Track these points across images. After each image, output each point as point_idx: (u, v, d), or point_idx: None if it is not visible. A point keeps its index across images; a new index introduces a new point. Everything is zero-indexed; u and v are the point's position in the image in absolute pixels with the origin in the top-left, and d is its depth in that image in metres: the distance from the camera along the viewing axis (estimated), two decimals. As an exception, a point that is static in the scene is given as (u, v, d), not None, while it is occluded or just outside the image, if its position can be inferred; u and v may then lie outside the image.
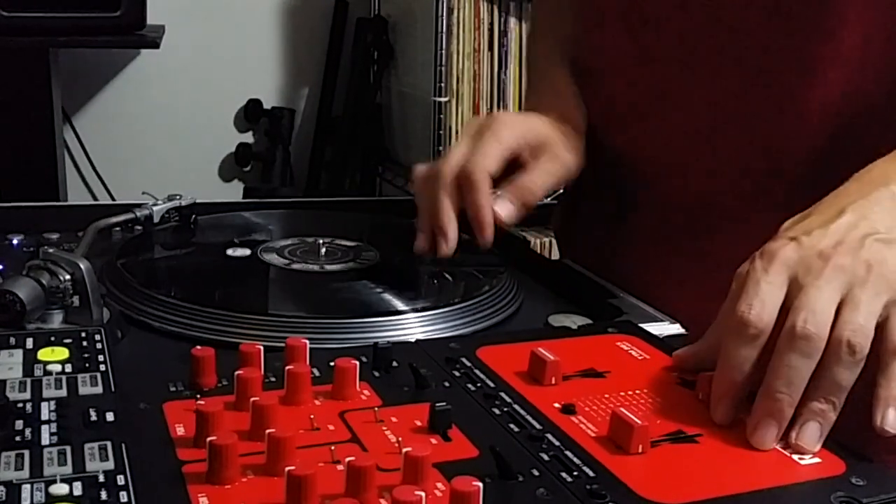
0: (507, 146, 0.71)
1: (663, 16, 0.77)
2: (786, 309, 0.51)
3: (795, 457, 0.48)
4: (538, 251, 0.77)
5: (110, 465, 0.41)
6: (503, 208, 0.69)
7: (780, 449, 0.49)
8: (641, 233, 0.83)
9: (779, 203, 0.73)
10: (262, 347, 0.52)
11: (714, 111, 0.75)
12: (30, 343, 0.53)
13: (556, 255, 0.95)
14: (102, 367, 0.51)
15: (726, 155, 0.75)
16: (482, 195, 0.68)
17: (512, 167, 0.73)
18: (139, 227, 0.81)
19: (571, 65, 0.86)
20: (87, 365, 0.51)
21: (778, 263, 0.53)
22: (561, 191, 0.95)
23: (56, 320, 0.59)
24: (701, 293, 0.77)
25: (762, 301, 0.51)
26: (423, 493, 0.39)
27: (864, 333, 0.50)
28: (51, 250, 0.60)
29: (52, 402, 0.47)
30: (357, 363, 0.52)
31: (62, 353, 0.52)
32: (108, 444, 0.43)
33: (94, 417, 0.45)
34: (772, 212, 0.70)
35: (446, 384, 0.54)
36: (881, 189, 0.57)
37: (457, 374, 0.55)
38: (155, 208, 0.81)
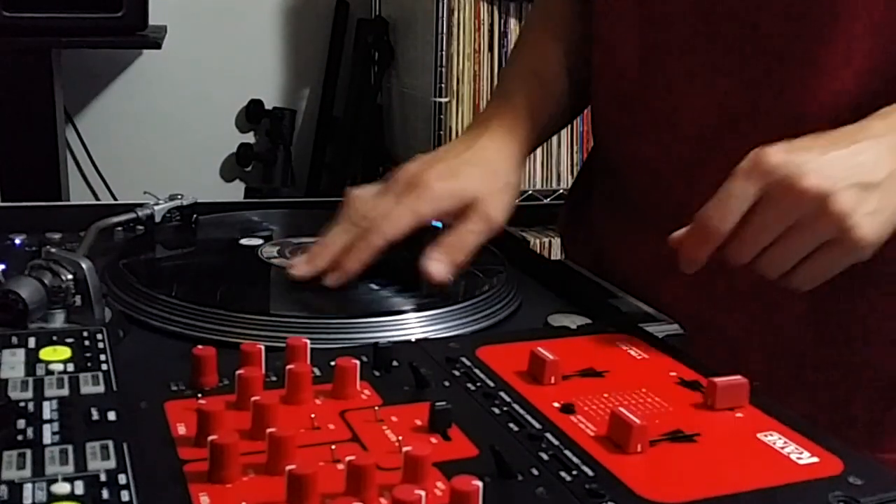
0: (422, 219, 0.71)
1: (671, 14, 0.77)
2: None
3: (793, 456, 0.48)
4: (538, 251, 0.77)
5: (112, 464, 0.42)
6: (436, 268, 0.69)
7: (778, 449, 0.49)
8: (648, 234, 0.83)
9: None
10: (262, 347, 0.53)
11: (721, 111, 0.75)
12: (32, 342, 0.54)
13: (556, 256, 0.95)
14: (104, 367, 0.51)
15: (735, 155, 0.76)
16: (366, 253, 0.69)
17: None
18: (141, 227, 0.81)
19: (541, 81, 0.86)
20: (88, 364, 0.51)
21: (757, 172, 0.58)
22: (567, 192, 0.96)
23: (58, 320, 0.59)
24: (708, 294, 0.77)
25: (726, 209, 0.59)
26: (423, 493, 0.39)
27: (780, 270, 0.60)
28: (53, 250, 0.61)
29: (54, 402, 0.47)
30: (357, 363, 0.52)
31: (64, 352, 0.53)
32: (110, 443, 0.43)
33: (95, 417, 0.46)
34: None
35: (446, 384, 0.54)
36: (891, 135, 0.61)
37: (457, 373, 0.55)
38: (156, 208, 0.81)
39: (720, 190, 0.60)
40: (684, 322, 0.67)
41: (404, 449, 0.43)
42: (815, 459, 0.48)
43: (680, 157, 0.78)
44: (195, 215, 0.83)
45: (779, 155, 0.58)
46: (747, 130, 0.74)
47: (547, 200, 2.04)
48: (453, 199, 0.72)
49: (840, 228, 0.58)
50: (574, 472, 0.45)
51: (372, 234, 0.69)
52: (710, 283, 0.77)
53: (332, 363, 0.52)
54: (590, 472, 0.45)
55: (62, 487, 0.40)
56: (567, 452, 0.46)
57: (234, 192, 2.41)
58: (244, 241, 0.74)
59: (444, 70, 2.03)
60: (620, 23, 0.81)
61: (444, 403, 0.48)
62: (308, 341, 0.53)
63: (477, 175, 0.75)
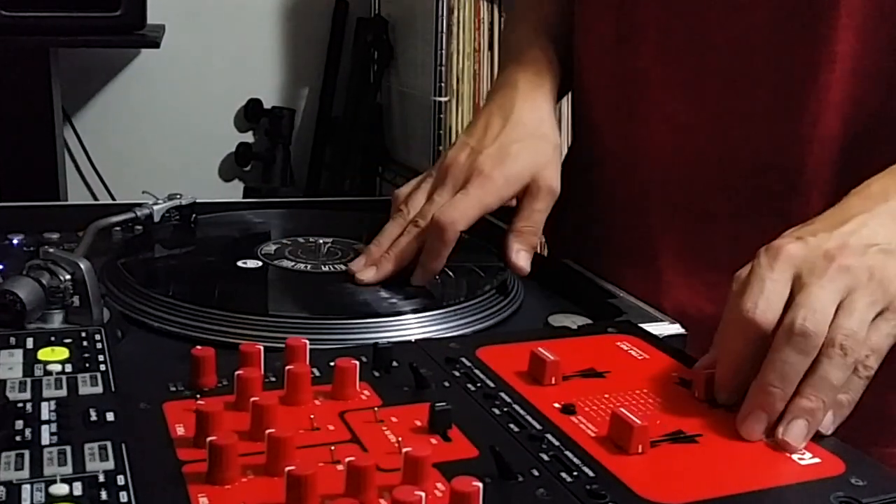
0: (489, 207, 0.73)
1: (650, 17, 0.77)
2: (788, 305, 0.52)
3: (795, 456, 0.48)
4: (538, 251, 0.77)
5: (110, 465, 0.41)
6: (522, 260, 0.74)
7: (780, 449, 0.49)
8: (631, 232, 0.83)
9: (773, 201, 0.73)
10: (262, 347, 0.52)
11: (700, 113, 0.75)
12: (30, 343, 0.53)
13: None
14: (102, 367, 0.51)
15: (715, 156, 0.76)
16: (446, 250, 0.70)
17: None
18: (139, 227, 0.81)
19: (549, 36, 0.87)
20: (87, 365, 0.51)
21: (783, 260, 0.53)
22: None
23: (56, 320, 0.59)
24: (690, 292, 0.77)
25: (767, 300, 0.52)
26: (423, 494, 0.39)
27: (856, 339, 0.51)
28: (51, 250, 0.60)
29: (53, 402, 0.47)
30: (357, 363, 0.52)
31: (62, 352, 0.52)
32: (109, 444, 0.43)
33: (94, 417, 0.45)
34: (765, 210, 0.71)
35: (446, 384, 0.54)
36: (881, 205, 0.58)
37: (457, 374, 0.55)
38: (155, 208, 0.81)
39: (747, 283, 0.53)
40: (670, 313, 0.68)
41: (404, 450, 0.42)
42: (816, 460, 0.48)
43: (659, 155, 0.78)
44: (194, 215, 0.83)
45: (795, 243, 0.54)
46: (726, 128, 0.74)
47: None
48: (515, 185, 0.74)
49: (887, 294, 0.53)
50: (575, 473, 0.45)
51: (444, 231, 0.70)
52: (693, 282, 0.77)
53: (332, 363, 0.52)
54: (591, 473, 0.45)
55: (60, 488, 0.39)
56: (568, 453, 0.46)
57: (233, 191, 2.41)
58: (245, 264, 0.74)
59: (443, 69, 2.03)
60: (598, 30, 0.82)
61: (444, 404, 0.48)
62: (307, 341, 0.53)
63: (527, 151, 0.76)
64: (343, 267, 0.73)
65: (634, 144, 0.80)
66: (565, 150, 0.89)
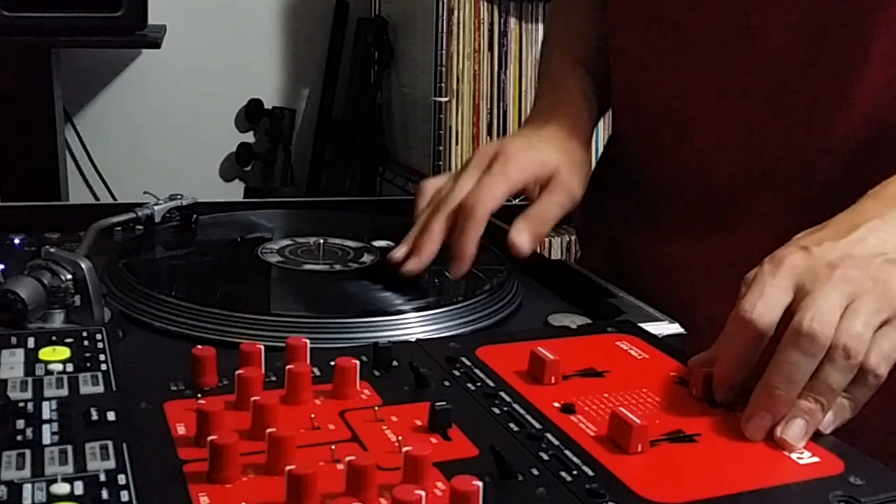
0: (514, 185, 0.73)
1: (686, 19, 0.77)
2: (791, 312, 0.52)
3: (794, 456, 0.48)
4: (538, 251, 0.77)
5: (111, 464, 0.41)
6: (522, 239, 0.71)
7: (779, 448, 0.49)
8: (663, 232, 0.83)
9: (804, 203, 0.73)
10: (262, 347, 0.53)
11: (737, 117, 0.75)
12: (31, 342, 0.53)
13: (556, 256, 0.95)
14: (104, 367, 0.51)
15: (750, 158, 0.75)
16: (476, 230, 0.69)
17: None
18: (140, 227, 0.81)
19: (584, 66, 0.87)
20: (88, 364, 0.51)
21: (786, 269, 0.53)
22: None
23: (57, 320, 0.59)
24: (721, 292, 0.77)
25: (766, 302, 0.52)
26: (423, 493, 0.39)
27: (861, 342, 0.51)
28: (52, 250, 0.61)
29: (54, 402, 0.47)
30: (357, 362, 0.52)
31: (63, 352, 0.52)
32: (110, 443, 0.43)
33: (95, 417, 0.46)
34: (798, 210, 0.70)
35: (446, 383, 0.54)
36: (894, 209, 0.57)
37: (457, 373, 0.55)
38: (156, 208, 0.81)
39: (749, 287, 0.54)
40: (700, 321, 0.67)
41: (404, 449, 0.42)
42: (815, 459, 0.48)
43: (695, 158, 0.78)
44: (195, 215, 0.83)
45: (799, 253, 0.54)
46: (762, 132, 0.74)
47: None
48: (538, 167, 0.74)
49: (893, 305, 0.53)
50: (574, 472, 0.45)
51: (474, 209, 0.70)
52: (727, 282, 0.77)
53: (332, 363, 0.52)
54: (590, 472, 0.45)
55: (62, 488, 0.40)
56: (567, 452, 0.46)
57: (234, 191, 2.41)
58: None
59: (443, 69, 2.03)
60: (634, 29, 0.81)
61: (444, 403, 0.48)
62: (308, 341, 0.53)
63: (554, 150, 0.76)
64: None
65: (681, 161, 0.80)
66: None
